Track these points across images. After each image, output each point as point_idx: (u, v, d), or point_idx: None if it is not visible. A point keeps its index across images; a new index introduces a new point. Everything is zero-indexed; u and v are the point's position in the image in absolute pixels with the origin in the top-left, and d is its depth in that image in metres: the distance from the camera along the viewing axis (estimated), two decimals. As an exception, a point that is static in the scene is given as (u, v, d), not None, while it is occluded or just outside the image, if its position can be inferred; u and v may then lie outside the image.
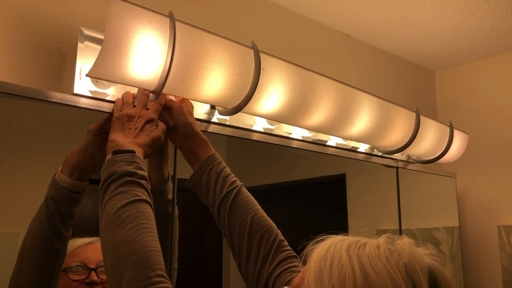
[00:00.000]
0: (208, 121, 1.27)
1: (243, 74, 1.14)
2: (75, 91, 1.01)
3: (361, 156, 1.74)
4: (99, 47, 0.95)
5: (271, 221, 0.93)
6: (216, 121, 1.29)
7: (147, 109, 0.97)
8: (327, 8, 1.81)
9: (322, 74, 1.39)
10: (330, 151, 1.64)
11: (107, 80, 0.98)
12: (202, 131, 1.23)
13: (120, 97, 1.00)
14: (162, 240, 0.86)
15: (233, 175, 0.98)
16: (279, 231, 0.92)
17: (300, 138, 1.55)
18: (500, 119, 2.24)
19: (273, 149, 1.49)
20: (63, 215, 0.91)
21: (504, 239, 2.12)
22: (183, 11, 1.17)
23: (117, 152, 0.83)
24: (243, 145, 1.46)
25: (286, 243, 0.91)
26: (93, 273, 0.99)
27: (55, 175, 0.93)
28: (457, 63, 2.41)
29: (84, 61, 1.01)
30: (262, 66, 1.15)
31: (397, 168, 1.83)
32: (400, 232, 1.82)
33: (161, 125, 0.97)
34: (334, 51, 1.99)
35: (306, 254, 0.64)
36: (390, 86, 2.23)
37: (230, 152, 1.42)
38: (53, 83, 1.12)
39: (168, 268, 1.06)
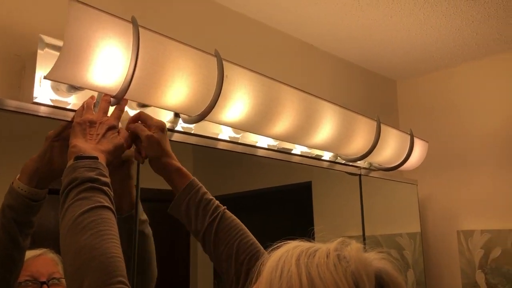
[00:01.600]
0: (172, 130, 1.27)
1: (207, 81, 1.14)
2: (35, 99, 0.99)
3: (326, 164, 1.77)
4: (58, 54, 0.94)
5: (257, 245, 0.94)
6: (181, 129, 1.29)
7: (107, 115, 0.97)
8: (291, 18, 1.84)
9: (285, 84, 1.41)
10: (296, 159, 1.66)
11: (67, 83, 0.97)
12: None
13: (81, 105, 0.99)
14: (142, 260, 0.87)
15: (213, 201, 0.97)
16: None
17: (266, 146, 1.56)
18: (459, 128, 2.32)
19: (239, 157, 1.49)
20: (20, 223, 0.89)
21: (463, 243, 2.19)
22: (146, 17, 1.17)
23: (79, 158, 0.82)
24: (209, 153, 1.46)
25: None
26: (45, 286, 0.96)
27: (12, 183, 0.91)
28: (418, 73, 2.48)
29: (44, 69, 1.00)
30: (225, 73, 1.16)
31: (360, 175, 1.87)
32: (364, 238, 1.86)
33: (123, 132, 0.97)
34: (297, 61, 2.02)
35: (262, 262, 0.64)
36: (353, 95, 2.28)
37: (196, 160, 1.42)
38: (12, 91, 1.10)
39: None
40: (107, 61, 0.94)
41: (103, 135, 0.91)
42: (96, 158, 0.83)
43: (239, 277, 0.89)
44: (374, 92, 2.45)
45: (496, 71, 2.23)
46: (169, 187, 1.48)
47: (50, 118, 1.00)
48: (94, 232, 0.71)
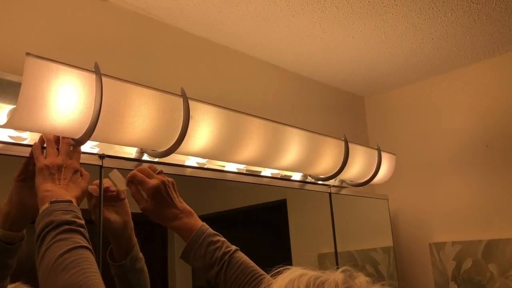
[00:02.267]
0: (139, 160, 1.26)
1: (171, 124, 1.16)
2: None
3: (296, 184, 1.78)
4: (14, 91, 0.93)
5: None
6: (147, 158, 1.28)
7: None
8: (254, 40, 1.86)
9: (250, 115, 1.43)
10: (265, 180, 1.66)
11: (24, 131, 0.96)
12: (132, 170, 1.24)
13: (38, 139, 0.97)
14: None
15: (219, 249, 0.96)
16: None
17: (235, 170, 1.56)
18: (425, 140, 2.36)
19: (208, 181, 1.49)
20: None
21: (436, 255, 2.22)
22: (109, 62, 1.17)
23: (54, 201, 0.82)
24: (177, 179, 1.46)
25: None
26: None
27: None
28: (385, 89, 2.53)
29: (0, 107, 0.98)
30: (190, 114, 1.17)
31: (330, 193, 1.88)
32: (336, 254, 1.87)
33: (86, 175, 0.97)
34: (263, 82, 2.04)
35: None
36: (322, 113, 2.30)
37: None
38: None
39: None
40: (63, 108, 0.94)
41: (70, 179, 0.91)
42: (70, 201, 0.84)
43: None
44: (343, 109, 2.48)
45: (458, 83, 2.29)
46: (134, 211, 1.48)
47: (7, 155, 0.97)
48: (77, 271, 0.72)
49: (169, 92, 1.16)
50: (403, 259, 2.35)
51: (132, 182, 1.00)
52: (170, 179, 1.03)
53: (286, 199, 1.91)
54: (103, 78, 0.97)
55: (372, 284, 0.62)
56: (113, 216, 1.04)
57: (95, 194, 1.04)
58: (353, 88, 2.49)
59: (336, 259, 1.89)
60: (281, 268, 0.66)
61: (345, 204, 2.01)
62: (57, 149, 0.95)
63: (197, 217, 1.02)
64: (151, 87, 1.10)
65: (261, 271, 0.95)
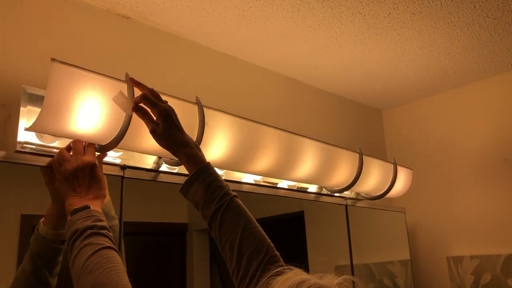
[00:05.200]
0: (157, 171, 1.30)
1: (187, 130, 1.18)
2: (19, 145, 1.03)
3: (312, 196, 1.80)
4: (41, 104, 0.98)
5: (262, 236, 0.91)
6: (166, 169, 1.32)
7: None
8: (272, 54, 1.90)
9: (265, 124, 1.45)
10: (282, 192, 1.69)
11: (47, 134, 1.01)
12: (151, 180, 1.28)
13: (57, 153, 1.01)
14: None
15: (221, 188, 0.94)
16: (271, 246, 0.90)
17: (252, 182, 1.59)
18: (442, 154, 2.36)
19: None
20: (50, 267, 0.96)
21: (454, 269, 2.20)
22: (128, 67, 1.21)
23: (73, 212, 0.89)
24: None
25: (277, 258, 0.89)
26: None
27: (38, 229, 0.96)
28: (402, 102, 2.54)
29: (27, 118, 1.04)
30: (206, 121, 1.21)
31: (346, 205, 1.89)
32: (352, 267, 1.87)
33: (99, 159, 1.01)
34: (281, 96, 2.07)
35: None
36: (339, 126, 2.32)
37: (181, 198, 1.45)
38: (-2, 138, 1.13)
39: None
40: (87, 114, 0.98)
41: (90, 180, 0.95)
42: (88, 207, 0.90)
43: (239, 268, 0.88)
44: (361, 122, 2.50)
45: (475, 97, 2.29)
46: (152, 220, 1.50)
47: (34, 165, 1.03)
48: (101, 271, 0.79)
49: (185, 100, 1.20)
50: (420, 273, 2.33)
51: (142, 103, 0.97)
52: None
53: (304, 210, 1.93)
54: (123, 85, 1.02)
55: None
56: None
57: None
58: (371, 101, 2.51)
59: (351, 271, 1.89)
60: (284, 268, 0.66)
61: (362, 217, 2.01)
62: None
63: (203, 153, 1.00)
64: (169, 95, 1.14)
65: (255, 222, 0.93)
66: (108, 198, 1.06)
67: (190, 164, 0.96)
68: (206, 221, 0.95)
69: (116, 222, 1.11)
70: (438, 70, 2.12)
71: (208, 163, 0.97)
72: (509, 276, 2.02)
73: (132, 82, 1.01)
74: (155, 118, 0.98)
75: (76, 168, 0.94)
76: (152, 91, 1.00)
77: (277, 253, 0.90)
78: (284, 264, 0.87)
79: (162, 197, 1.50)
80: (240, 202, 0.95)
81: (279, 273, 0.64)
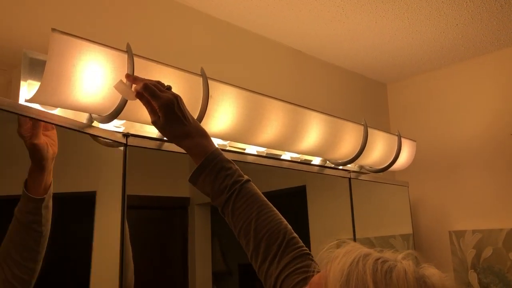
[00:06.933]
0: (161, 139, 1.29)
1: (191, 102, 1.17)
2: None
3: (315, 169, 1.79)
4: (42, 69, 0.96)
5: (278, 220, 0.89)
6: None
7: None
8: (277, 25, 1.86)
9: (270, 96, 1.43)
10: (285, 164, 1.67)
11: (48, 105, 0.99)
12: (155, 149, 1.26)
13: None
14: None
15: (230, 176, 0.91)
16: (288, 229, 0.88)
17: (255, 153, 1.58)
18: (448, 128, 2.34)
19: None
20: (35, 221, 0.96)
21: (455, 244, 2.21)
22: (128, 38, 1.19)
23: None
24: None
25: (295, 240, 0.87)
26: None
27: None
28: (407, 76, 2.51)
29: (29, 84, 1.02)
30: (210, 94, 1.19)
31: (349, 178, 1.88)
32: (354, 240, 1.87)
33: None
34: (286, 68, 2.05)
35: (319, 262, 0.63)
36: (344, 99, 2.30)
37: (191, 168, 1.44)
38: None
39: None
40: (88, 85, 0.96)
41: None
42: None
43: (258, 253, 0.86)
44: (365, 95, 2.47)
45: (482, 71, 2.25)
46: (161, 194, 1.50)
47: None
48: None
49: (189, 71, 1.18)
50: (422, 247, 2.34)
51: (143, 93, 0.92)
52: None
53: (306, 185, 1.92)
54: (123, 55, 1.00)
55: (445, 280, 0.59)
56: (45, 145, 0.97)
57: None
58: (376, 74, 2.47)
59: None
60: (341, 241, 0.64)
61: (365, 190, 2.01)
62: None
63: (211, 139, 0.96)
64: (172, 66, 1.11)
65: (270, 206, 0.91)
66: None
67: (194, 155, 0.93)
68: (219, 210, 0.92)
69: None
70: (445, 43, 2.08)
71: (215, 149, 0.94)
72: (511, 250, 2.03)
73: (129, 79, 0.97)
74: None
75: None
76: (153, 82, 0.94)
77: (296, 235, 0.88)
78: (304, 245, 0.86)
79: (163, 171, 1.50)
80: (253, 187, 0.92)
81: (338, 245, 0.63)
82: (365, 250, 0.61)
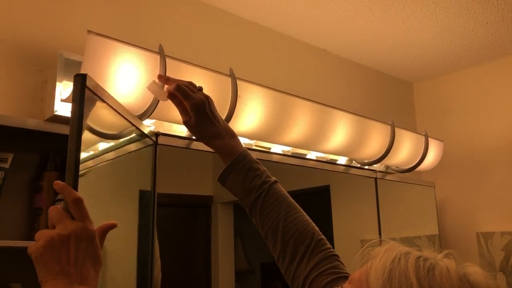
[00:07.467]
0: (191, 138, 1.31)
1: (221, 103, 1.20)
2: (56, 112, 1.05)
3: (341, 168, 1.78)
4: (77, 70, 0.99)
5: (305, 221, 0.89)
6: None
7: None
8: (303, 24, 1.87)
9: (297, 96, 1.44)
10: (310, 163, 1.67)
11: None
12: (186, 148, 1.28)
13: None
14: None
15: (259, 177, 0.92)
16: (316, 230, 0.88)
17: (280, 152, 1.59)
18: (475, 128, 2.30)
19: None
20: None
21: (483, 245, 2.17)
22: (162, 41, 1.21)
23: None
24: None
25: (323, 242, 0.87)
26: None
27: None
28: (434, 75, 2.48)
29: (64, 84, 1.05)
30: (238, 94, 1.21)
31: (375, 178, 1.87)
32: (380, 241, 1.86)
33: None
34: (312, 67, 2.05)
35: (361, 259, 0.62)
36: (369, 98, 2.29)
37: (216, 167, 1.46)
38: (35, 103, 1.15)
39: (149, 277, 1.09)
40: (122, 85, 0.99)
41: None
42: None
43: (285, 254, 0.87)
44: (391, 95, 2.45)
45: (511, 71, 2.21)
46: (185, 192, 1.51)
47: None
48: None
49: (218, 72, 1.19)
50: (448, 248, 2.29)
51: (175, 93, 0.91)
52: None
53: (329, 185, 1.92)
54: (156, 56, 1.02)
55: (489, 278, 0.58)
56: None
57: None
58: (402, 73, 2.45)
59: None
60: (375, 240, 0.64)
61: (391, 191, 1.99)
62: None
63: (239, 140, 0.96)
64: (202, 66, 1.13)
65: (298, 207, 0.91)
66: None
67: (223, 155, 0.94)
68: (246, 210, 0.93)
69: None
70: (474, 42, 2.05)
71: (244, 150, 0.94)
72: (541, 253, 1.99)
73: (161, 79, 0.98)
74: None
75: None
76: (185, 83, 0.94)
77: (323, 236, 0.88)
78: (331, 247, 0.86)
79: (187, 169, 1.51)
80: (281, 188, 0.92)
81: (380, 244, 0.63)
82: (405, 248, 0.61)
